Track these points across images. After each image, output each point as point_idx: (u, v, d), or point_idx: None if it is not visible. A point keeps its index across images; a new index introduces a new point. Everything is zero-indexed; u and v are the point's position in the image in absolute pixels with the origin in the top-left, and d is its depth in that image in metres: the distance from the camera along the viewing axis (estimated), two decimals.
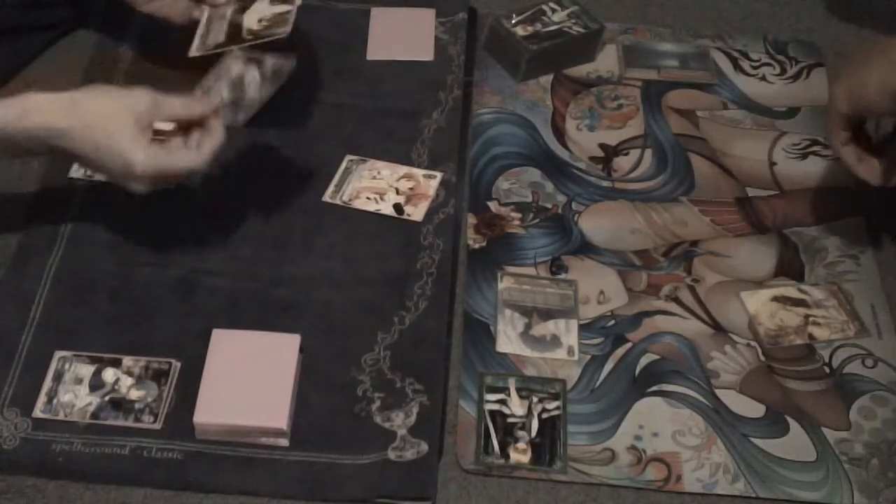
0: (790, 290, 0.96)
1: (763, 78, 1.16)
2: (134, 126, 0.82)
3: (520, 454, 0.83)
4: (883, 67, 0.85)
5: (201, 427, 0.81)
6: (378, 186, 1.01)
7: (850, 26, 1.24)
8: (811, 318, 0.94)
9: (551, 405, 0.86)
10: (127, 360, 0.86)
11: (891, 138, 0.93)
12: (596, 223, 1.01)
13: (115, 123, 0.82)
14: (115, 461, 0.80)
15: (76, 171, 0.99)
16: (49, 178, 0.99)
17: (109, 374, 0.85)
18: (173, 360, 0.86)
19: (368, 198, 0.99)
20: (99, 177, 0.98)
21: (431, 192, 1.00)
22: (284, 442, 0.82)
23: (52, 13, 1.10)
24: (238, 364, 0.83)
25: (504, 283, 0.95)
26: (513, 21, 1.14)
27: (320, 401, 0.85)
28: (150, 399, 0.83)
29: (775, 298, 0.95)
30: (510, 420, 0.85)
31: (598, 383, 0.88)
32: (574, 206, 1.02)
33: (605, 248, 0.99)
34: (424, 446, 0.82)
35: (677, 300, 0.95)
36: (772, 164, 1.08)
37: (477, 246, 0.98)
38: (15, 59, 1.08)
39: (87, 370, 0.85)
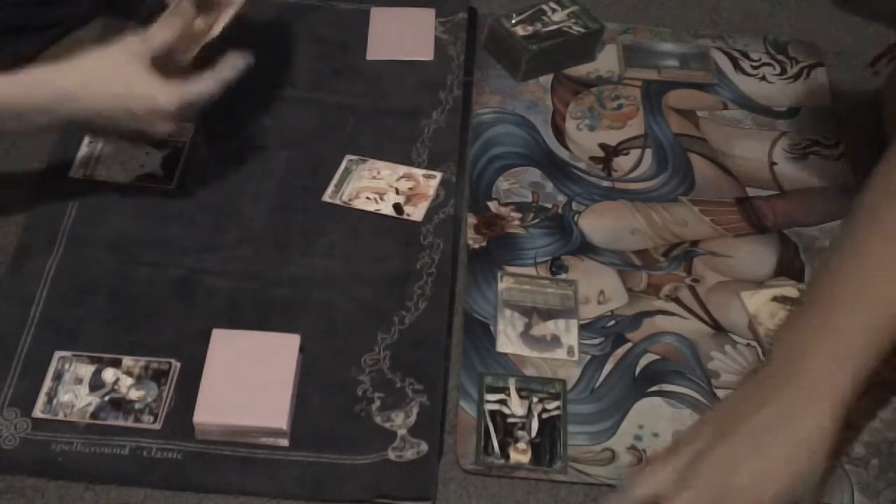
0: (790, 290, 0.96)
1: (763, 78, 1.16)
2: (144, 66, 0.84)
3: (520, 454, 0.83)
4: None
5: (201, 427, 0.81)
6: (378, 186, 1.00)
7: (850, 26, 1.23)
8: None
9: (551, 405, 0.86)
10: (127, 360, 0.86)
11: None
12: (596, 223, 1.01)
13: (127, 69, 0.84)
14: (115, 461, 0.80)
15: (76, 171, 0.99)
16: (49, 177, 0.99)
17: (109, 374, 0.85)
18: (173, 360, 0.86)
19: (368, 198, 0.99)
20: (102, 175, 0.99)
21: (431, 191, 1.00)
22: (284, 442, 0.82)
23: (55, 12, 1.10)
24: (238, 364, 0.83)
25: (504, 283, 0.95)
26: (513, 21, 1.14)
27: (320, 401, 0.85)
28: (149, 399, 0.83)
29: (775, 298, 0.95)
30: (510, 420, 0.85)
31: (598, 383, 0.88)
32: (574, 206, 1.02)
33: (605, 248, 0.99)
34: (424, 446, 0.82)
35: (677, 300, 0.95)
36: (772, 164, 1.08)
37: (477, 246, 0.98)
38: (17, 58, 1.08)
39: (86, 370, 0.85)
